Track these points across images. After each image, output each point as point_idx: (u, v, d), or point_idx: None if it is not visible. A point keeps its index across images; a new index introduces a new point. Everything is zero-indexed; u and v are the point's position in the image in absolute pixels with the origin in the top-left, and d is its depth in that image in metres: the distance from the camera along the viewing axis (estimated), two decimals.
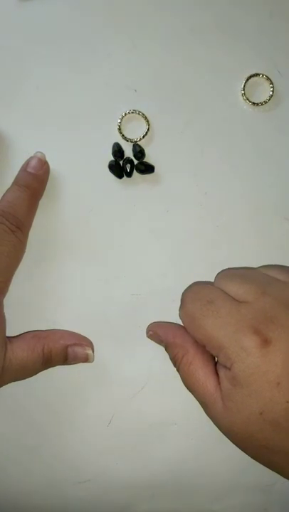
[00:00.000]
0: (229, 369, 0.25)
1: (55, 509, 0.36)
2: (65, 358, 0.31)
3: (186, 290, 0.31)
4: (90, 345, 0.32)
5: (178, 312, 0.29)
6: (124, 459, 0.35)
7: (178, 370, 0.29)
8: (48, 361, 0.31)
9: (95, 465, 0.35)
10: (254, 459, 0.26)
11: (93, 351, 0.32)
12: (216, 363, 0.28)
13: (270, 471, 0.26)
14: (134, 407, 0.34)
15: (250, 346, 0.25)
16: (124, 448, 0.35)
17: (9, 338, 0.31)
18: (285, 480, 0.26)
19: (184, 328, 0.29)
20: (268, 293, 0.27)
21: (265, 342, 0.25)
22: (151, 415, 0.35)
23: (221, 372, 0.26)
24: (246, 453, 0.26)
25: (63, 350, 0.31)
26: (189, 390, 0.28)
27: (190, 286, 0.31)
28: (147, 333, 0.33)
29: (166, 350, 0.30)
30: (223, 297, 0.27)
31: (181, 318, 0.29)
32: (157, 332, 0.31)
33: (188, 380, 0.28)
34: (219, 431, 0.27)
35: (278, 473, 0.26)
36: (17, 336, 0.32)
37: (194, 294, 0.29)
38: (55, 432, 0.35)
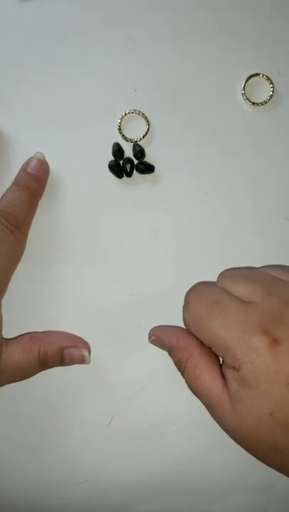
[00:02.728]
0: (237, 370, 0.25)
1: (55, 509, 0.36)
2: (62, 360, 0.31)
3: (189, 290, 0.30)
4: (86, 346, 0.32)
5: (177, 312, 0.29)
6: (124, 458, 0.35)
7: (183, 374, 0.28)
8: (44, 363, 0.31)
9: (94, 465, 0.35)
10: (263, 461, 0.26)
11: (90, 352, 0.32)
12: (221, 365, 0.27)
13: (270, 472, 0.26)
14: (134, 407, 0.34)
15: (259, 346, 0.24)
16: (124, 448, 0.35)
17: (6, 340, 0.31)
18: (284, 480, 0.26)
19: (186, 330, 0.29)
20: (273, 293, 0.26)
21: (275, 342, 0.24)
22: (151, 415, 0.35)
23: (228, 373, 0.26)
24: (255, 455, 0.26)
25: (59, 353, 0.31)
26: (195, 394, 0.28)
27: (194, 287, 0.31)
28: (150, 338, 0.32)
29: (169, 354, 0.30)
30: (230, 298, 0.27)
31: (184, 319, 0.29)
32: (160, 336, 0.31)
33: (194, 383, 0.27)
34: (219, 431, 0.27)
35: (288, 475, 0.26)
36: (14, 338, 0.32)
37: (199, 294, 0.28)
38: (55, 432, 0.35)
